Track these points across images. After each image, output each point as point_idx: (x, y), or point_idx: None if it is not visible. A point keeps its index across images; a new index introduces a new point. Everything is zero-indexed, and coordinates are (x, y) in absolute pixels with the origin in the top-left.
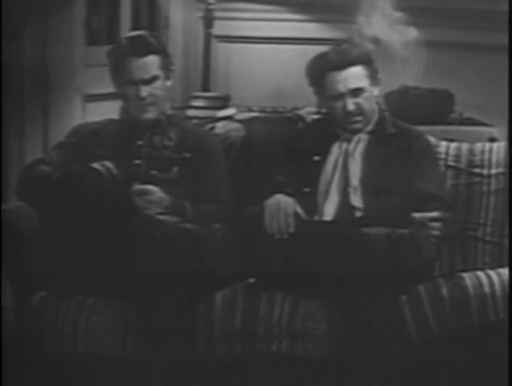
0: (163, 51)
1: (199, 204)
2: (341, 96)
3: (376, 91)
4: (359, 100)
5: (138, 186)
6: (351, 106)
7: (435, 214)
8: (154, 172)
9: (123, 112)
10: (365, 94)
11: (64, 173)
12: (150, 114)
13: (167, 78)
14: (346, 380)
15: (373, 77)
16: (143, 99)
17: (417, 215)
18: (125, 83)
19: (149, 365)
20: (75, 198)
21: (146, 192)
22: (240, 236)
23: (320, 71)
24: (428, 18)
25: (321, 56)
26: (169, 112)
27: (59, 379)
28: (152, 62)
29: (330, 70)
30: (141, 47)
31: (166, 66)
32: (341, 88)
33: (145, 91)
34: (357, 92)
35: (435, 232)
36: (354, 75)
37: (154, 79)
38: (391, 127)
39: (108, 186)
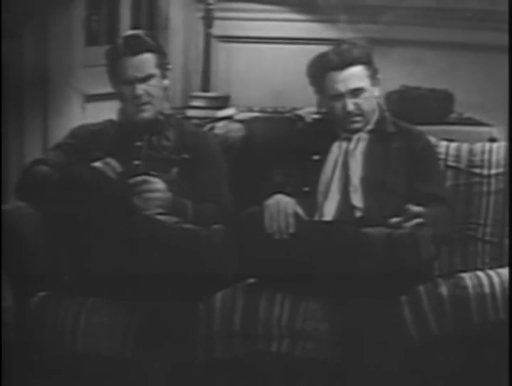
0: (158, 50)
1: (199, 205)
2: (341, 96)
3: (376, 91)
4: (359, 100)
5: (137, 177)
6: (351, 106)
7: (418, 208)
8: (153, 173)
9: (121, 113)
10: (365, 94)
11: (65, 173)
12: (147, 113)
13: (163, 77)
14: (346, 380)
15: (374, 77)
16: (139, 97)
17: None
18: (122, 82)
19: (149, 365)
20: (75, 198)
21: (146, 182)
22: (240, 237)
23: (321, 71)
24: (428, 18)
25: (321, 56)
26: (167, 111)
27: (59, 380)
28: (147, 60)
29: (330, 70)
30: (136, 46)
31: (162, 64)
32: (341, 88)
33: (140, 89)
34: (356, 92)
35: (434, 231)
36: (354, 76)
37: (149, 77)
38: (391, 126)
39: (108, 186)
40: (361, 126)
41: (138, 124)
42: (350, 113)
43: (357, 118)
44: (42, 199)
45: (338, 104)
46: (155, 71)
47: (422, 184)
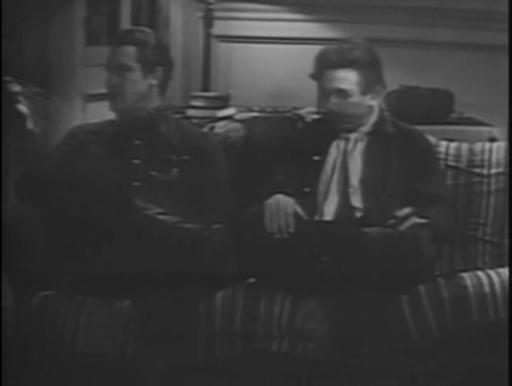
0: (145, 45)
1: (199, 205)
2: (329, 94)
3: (368, 100)
4: (342, 101)
5: None
6: (334, 106)
7: (405, 211)
8: (153, 173)
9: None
10: (352, 99)
11: (65, 173)
12: (116, 105)
13: (146, 73)
14: (346, 380)
15: (367, 84)
16: (109, 87)
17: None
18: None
19: (149, 365)
20: (76, 198)
21: None
22: (240, 236)
23: (320, 68)
24: (428, 18)
25: (323, 52)
26: (163, 108)
27: (59, 379)
28: (127, 52)
29: (328, 68)
30: (121, 37)
31: (146, 60)
32: (330, 86)
33: (112, 79)
34: (342, 94)
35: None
36: (344, 77)
37: (123, 69)
38: (391, 127)
39: (108, 186)
40: (352, 127)
41: (134, 121)
42: (334, 113)
43: (346, 119)
44: (42, 199)
45: (327, 102)
46: (134, 65)
47: (422, 184)
